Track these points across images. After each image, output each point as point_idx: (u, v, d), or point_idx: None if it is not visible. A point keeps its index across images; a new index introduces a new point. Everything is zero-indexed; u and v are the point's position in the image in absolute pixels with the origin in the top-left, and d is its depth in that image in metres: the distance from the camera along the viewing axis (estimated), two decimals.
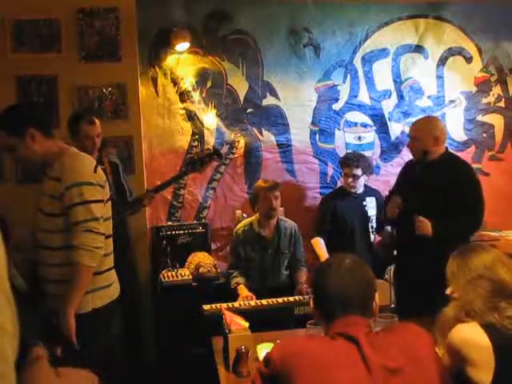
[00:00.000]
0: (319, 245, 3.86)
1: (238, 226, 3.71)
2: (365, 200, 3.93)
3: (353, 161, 3.85)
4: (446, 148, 3.17)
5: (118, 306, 2.37)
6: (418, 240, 2.95)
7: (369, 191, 4.01)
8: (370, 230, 3.95)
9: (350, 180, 3.86)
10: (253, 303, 3.24)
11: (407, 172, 3.29)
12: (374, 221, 3.95)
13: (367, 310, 1.51)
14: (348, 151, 4.29)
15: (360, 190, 3.94)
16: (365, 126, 4.43)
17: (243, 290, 3.42)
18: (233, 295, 3.41)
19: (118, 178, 3.47)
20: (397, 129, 4.46)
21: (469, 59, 4.54)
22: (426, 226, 2.93)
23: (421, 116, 3.98)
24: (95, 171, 2.26)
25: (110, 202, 2.37)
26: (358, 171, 3.84)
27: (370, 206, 3.94)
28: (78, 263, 2.11)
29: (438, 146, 3.06)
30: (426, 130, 3.10)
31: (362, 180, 3.92)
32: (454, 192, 2.94)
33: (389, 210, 3.20)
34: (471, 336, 1.54)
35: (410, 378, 1.38)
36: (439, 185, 2.99)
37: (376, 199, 3.97)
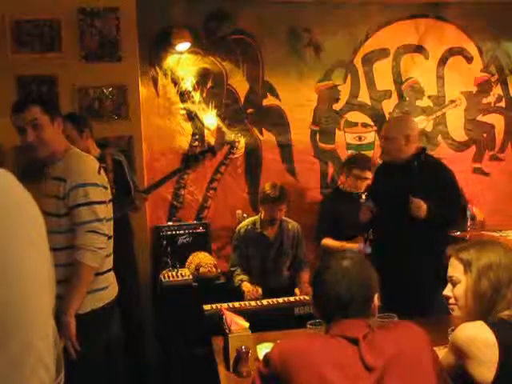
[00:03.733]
0: (330, 241, 3.80)
1: (241, 225, 3.71)
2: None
3: (366, 164, 3.85)
4: (422, 148, 3.16)
5: (116, 306, 2.37)
6: (397, 246, 2.96)
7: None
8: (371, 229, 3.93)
9: (359, 182, 3.83)
10: (253, 303, 3.24)
11: (377, 175, 3.33)
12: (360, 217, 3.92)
13: (366, 312, 1.51)
14: (350, 152, 4.29)
15: (361, 189, 3.94)
16: (365, 126, 4.43)
17: (247, 286, 3.43)
18: (233, 295, 3.41)
19: (121, 175, 3.45)
20: None
21: (469, 59, 4.54)
22: (419, 206, 2.89)
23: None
24: (99, 173, 2.27)
25: (111, 203, 2.37)
26: (369, 174, 3.83)
27: (370, 205, 3.92)
28: (80, 263, 2.12)
29: (409, 145, 3.04)
30: (397, 129, 3.10)
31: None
32: (429, 190, 2.93)
33: (362, 213, 3.21)
34: (476, 333, 1.55)
35: (407, 376, 1.38)
36: (412, 185, 2.98)
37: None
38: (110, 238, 2.30)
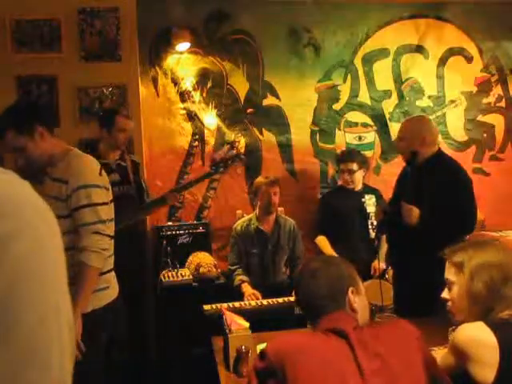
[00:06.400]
0: (324, 243, 3.87)
1: (237, 223, 3.75)
2: (364, 197, 3.94)
3: (347, 156, 3.95)
4: (439, 150, 3.08)
5: (115, 306, 2.36)
6: (409, 243, 2.92)
7: (368, 189, 4.02)
8: (370, 226, 3.94)
9: (346, 175, 3.90)
10: (253, 303, 3.25)
11: (401, 176, 3.30)
12: (374, 218, 3.95)
13: (343, 305, 1.53)
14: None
15: (358, 186, 3.95)
16: (365, 126, 4.43)
17: (248, 288, 3.44)
18: (233, 295, 3.42)
19: (138, 177, 3.48)
20: (397, 129, 4.42)
21: (469, 59, 4.54)
22: (410, 213, 2.83)
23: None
24: (100, 174, 2.27)
25: (113, 204, 2.37)
26: (354, 166, 3.88)
27: (369, 202, 3.94)
28: (85, 264, 2.12)
29: (424, 147, 2.96)
30: (412, 129, 3.04)
31: (359, 175, 3.93)
32: (439, 194, 2.84)
33: (375, 214, 3.25)
34: (476, 334, 1.55)
35: (396, 373, 1.39)
36: (425, 187, 2.91)
37: (375, 198, 3.98)
38: (111, 238, 2.30)
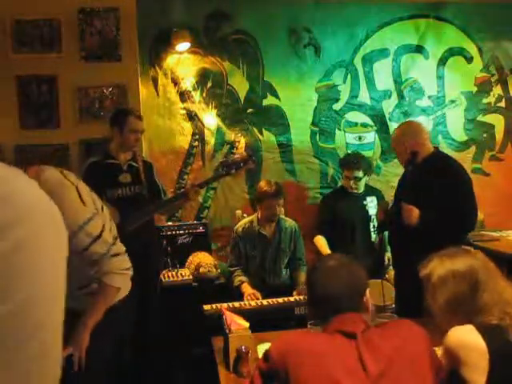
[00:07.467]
0: (321, 242, 3.87)
1: (239, 224, 3.73)
2: (365, 199, 3.93)
3: (354, 163, 3.86)
4: (436, 148, 3.09)
5: (122, 305, 2.35)
6: (409, 243, 2.92)
7: (370, 190, 4.00)
8: (372, 229, 3.94)
9: (352, 182, 3.87)
10: (253, 303, 3.25)
11: (402, 176, 3.31)
12: (375, 220, 3.95)
13: (358, 306, 1.54)
14: (347, 152, 4.29)
15: (361, 189, 3.95)
16: (365, 126, 4.43)
17: (247, 288, 3.44)
18: (233, 295, 3.42)
19: (151, 177, 3.46)
20: None
21: (469, 59, 4.54)
22: (410, 214, 2.85)
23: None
24: (78, 192, 2.04)
25: (106, 209, 2.34)
26: (360, 173, 3.84)
27: (371, 205, 3.93)
28: (108, 286, 2.10)
29: (417, 147, 2.95)
30: (397, 138, 3.09)
31: (364, 181, 3.93)
32: (439, 194, 2.85)
33: (378, 213, 3.29)
34: (467, 338, 1.54)
35: (402, 374, 1.39)
36: (422, 187, 2.91)
37: (377, 198, 3.97)
38: (126, 251, 2.27)
